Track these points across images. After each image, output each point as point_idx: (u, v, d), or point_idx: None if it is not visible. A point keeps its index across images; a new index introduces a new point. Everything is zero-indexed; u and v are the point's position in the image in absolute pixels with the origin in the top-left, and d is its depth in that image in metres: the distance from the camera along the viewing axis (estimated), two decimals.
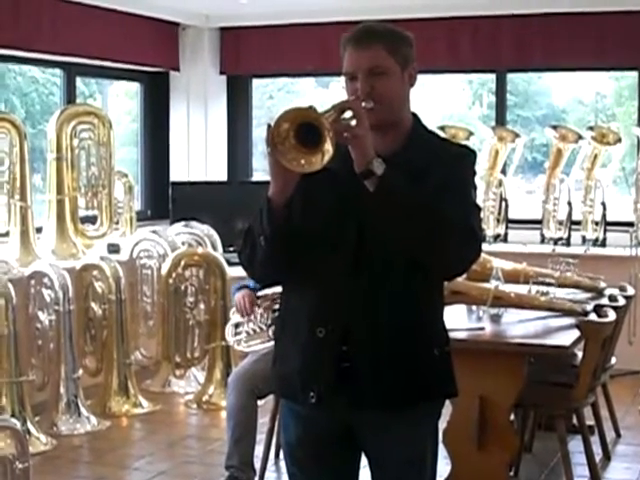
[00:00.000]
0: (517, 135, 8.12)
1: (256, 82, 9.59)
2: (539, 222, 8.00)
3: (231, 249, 7.54)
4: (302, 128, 2.49)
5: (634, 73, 8.22)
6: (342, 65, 2.80)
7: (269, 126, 2.50)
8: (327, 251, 2.74)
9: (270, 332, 5.08)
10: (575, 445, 5.35)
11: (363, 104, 2.67)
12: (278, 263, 2.75)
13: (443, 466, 4.68)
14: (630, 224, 7.48)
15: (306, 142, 2.49)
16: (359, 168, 2.58)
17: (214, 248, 7.46)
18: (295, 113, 2.51)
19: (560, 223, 7.89)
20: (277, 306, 5.01)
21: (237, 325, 5.31)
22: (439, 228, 2.61)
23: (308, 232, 2.70)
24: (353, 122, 2.58)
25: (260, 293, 5.18)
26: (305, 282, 2.78)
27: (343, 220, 2.72)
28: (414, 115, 2.87)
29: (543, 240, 7.94)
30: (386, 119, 2.74)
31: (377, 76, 2.72)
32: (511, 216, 8.16)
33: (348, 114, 2.60)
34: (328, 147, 2.47)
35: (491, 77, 8.73)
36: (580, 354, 5.06)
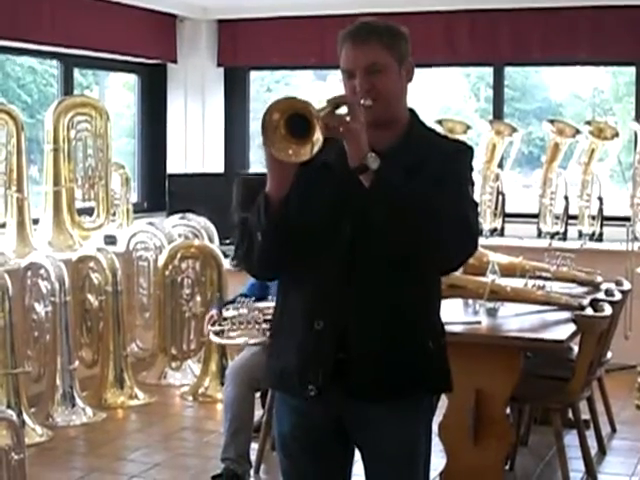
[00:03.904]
0: (514, 129, 8.12)
1: (254, 74, 9.58)
2: (536, 216, 8.00)
3: (227, 241, 7.56)
4: (292, 119, 2.49)
5: (632, 68, 8.21)
6: (339, 59, 2.80)
7: (263, 115, 2.51)
8: (324, 246, 2.74)
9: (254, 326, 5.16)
10: (571, 439, 5.35)
11: (362, 101, 2.67)
12: (275, 258, 2.75)
13: (438, 460, 4.69)
14: (627, 219, 7.48)
15: (296, 133, 2.50)
16: (353, 163, 2.58)
17: (210, 240, 7.46)
18: (286, 103, 2.51)
19: (557, 217, 7.89)
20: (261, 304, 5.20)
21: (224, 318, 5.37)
22: (434, 222, 2.60)
23: (305, 227, 2.71)
24: (348, 118, 2.58)
25: (225, 314, 5.34)
26: (302, 277, 2.78)
27: (339, 215, 2.72)
28: (411, 111, 2.87)
29: (540, 234, 7.94)
30: (384, 116, 2.74)
31: (376, 73, 2.72)
32: (508, 210, 8.16)
33: (343, 110, 2.60)
34: (318, 136, 2.47)
35: (489, 71, 8.73)
36: (576, 348, 5.08)
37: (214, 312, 5.45)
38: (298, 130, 2.49)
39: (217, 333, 5.37)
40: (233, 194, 5.52)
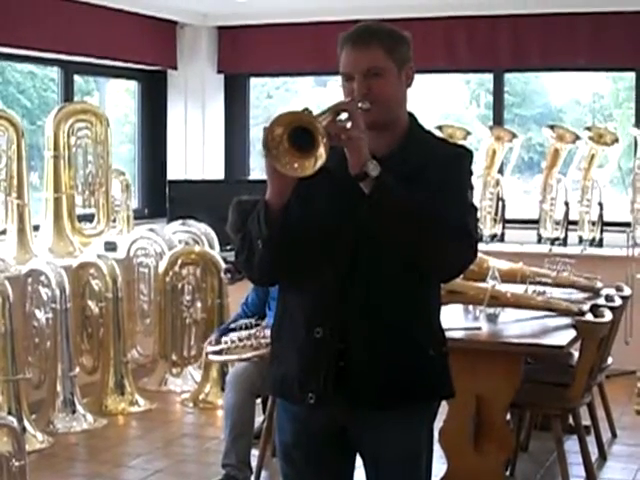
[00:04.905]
0: (514, 135, 8.12)
1: (254, 81, 9.59)
2: (536, 222, 8.00)
3: (228, 248, 7.56)
4: (296, 132, 2.47)
5: (631, 74, 8.22)
6: (339, 62, 2.79)
7: (265, 129, 2.50)
8: (325, 252, 2.73)
9: (254, 341, 5.15)
10: (571, 445, 5.35)
11: (359, 104, 2.67)
12: (276, 265, 2.75)
13: (439, 465, 4.69)
14: (627, 224, 7.49)
15: (300, 146, 2.48)
16: (354, 170, 2.58)
17: (211, 247, 7.46)
18: (289, 117, 2.49)
19: (557, 223, 7.90)
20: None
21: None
22: (435, 230, 2.60)
23: (305, 234, 2.70)
24: (349, 124, 2.58)
25: (224, 338, 5.36)
26: (303, 283, 2.78)
27: (340, 222, 2.72)
28: (411, 115, 2.86)
29: (540, 240, 7.94)
30: (382, 119, 2.74)
31: (374, 77, 2.72)
32: (508, 216, 8.16)
33: (344, 116, 2.60)
34: (321, 152, 2.45)
35: (489, 77, 8.74)
36: (576, 354, 5.07)
37: (213, 337, 5.49)
38: (302, 143, 2.47)
39: (216, 353, 5.39)
40: (228, 217, 5.52)
